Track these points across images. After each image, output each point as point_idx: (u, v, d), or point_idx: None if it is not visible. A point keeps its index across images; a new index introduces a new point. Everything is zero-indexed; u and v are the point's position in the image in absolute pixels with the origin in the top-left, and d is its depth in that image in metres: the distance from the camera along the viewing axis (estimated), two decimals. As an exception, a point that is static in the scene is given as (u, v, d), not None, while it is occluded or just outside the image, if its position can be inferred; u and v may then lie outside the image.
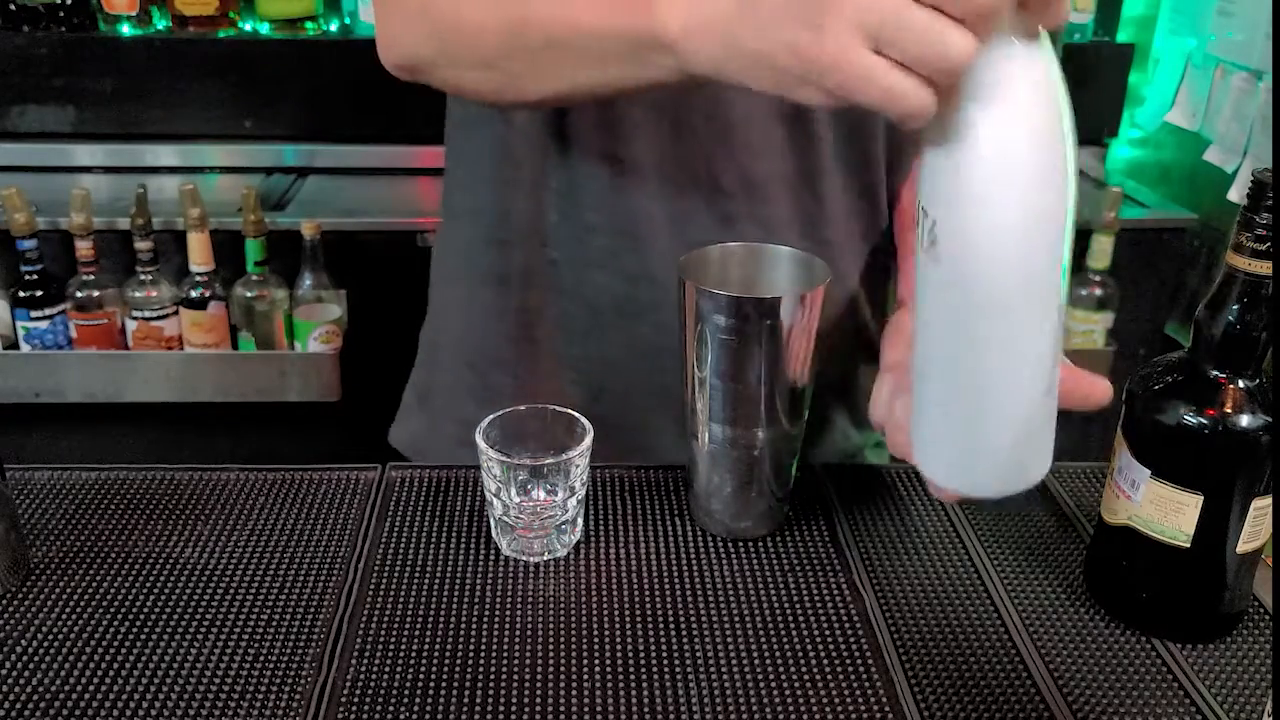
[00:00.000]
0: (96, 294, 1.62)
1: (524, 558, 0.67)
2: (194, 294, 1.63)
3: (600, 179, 0.78)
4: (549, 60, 0.64)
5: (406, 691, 0.57)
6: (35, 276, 1.60)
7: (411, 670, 0.58)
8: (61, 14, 1.82)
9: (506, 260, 0.83)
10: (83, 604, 0.63)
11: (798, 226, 0.80)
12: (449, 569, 0.66)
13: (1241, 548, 0.60)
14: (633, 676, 0.58)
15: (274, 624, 0.61)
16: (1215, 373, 0.58)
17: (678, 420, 0.72)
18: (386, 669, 0.58)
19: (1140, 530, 0.61)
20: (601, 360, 0.83)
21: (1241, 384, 0.58)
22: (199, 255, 1.61)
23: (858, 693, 0.57)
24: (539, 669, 0.58)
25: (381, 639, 0.61)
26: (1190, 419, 0.58)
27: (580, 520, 0.69)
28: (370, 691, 0.57)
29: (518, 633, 0.61)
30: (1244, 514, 0.58)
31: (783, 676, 0.58)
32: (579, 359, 0.84)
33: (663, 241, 0.78)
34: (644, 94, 0.66)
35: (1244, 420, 0.57)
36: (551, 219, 0.81)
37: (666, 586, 0.65)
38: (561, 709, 0.56)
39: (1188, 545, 0.60)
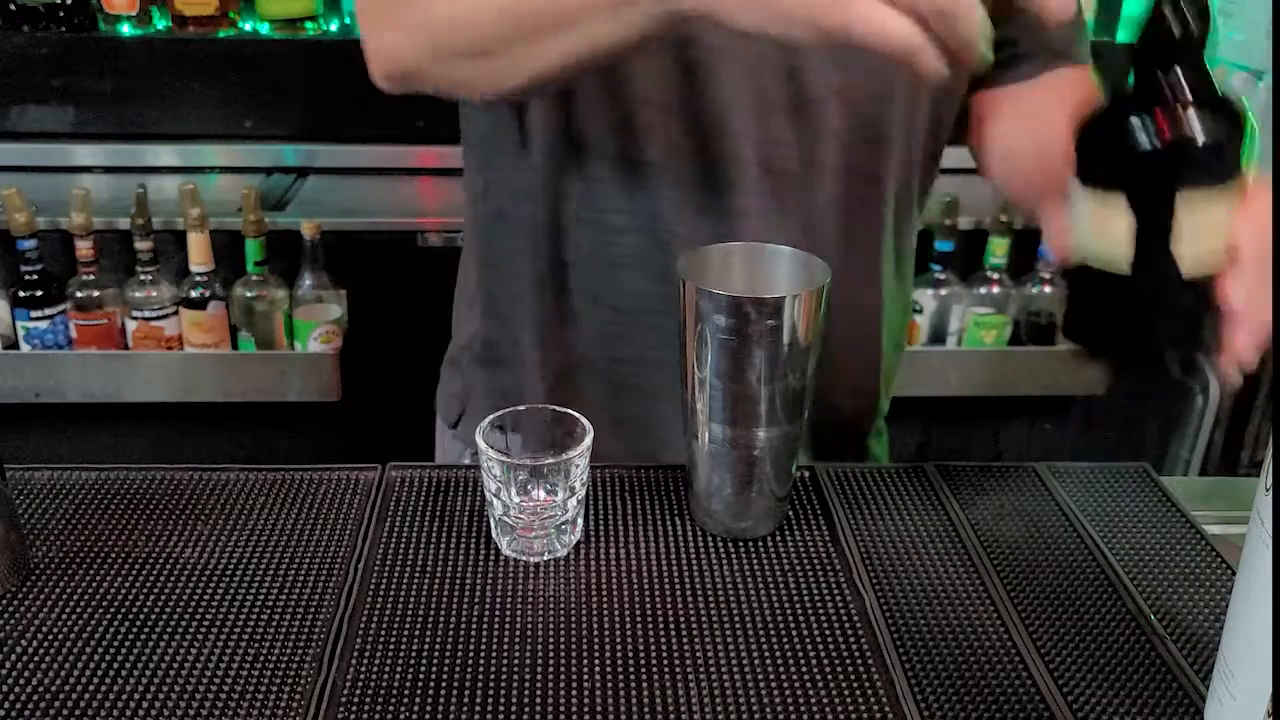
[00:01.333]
0: (96, 294, 1.62)
1: (524, 558, 0.67)
2: (194, 294, 1.63)
3: (618, 182, 0.80)
4: (540, 35, 0.66)
5: (406, 691, 0.57)
6: (35, 276, 1.60)
7: (411, 670, 0.58)
8: (61, 14, 1.82)
9: (536, 264, 0.85)
10: (83, 604, 0.63)
11: (802, 219, 0.81)
12: (449, 569, 0.66)
13: (1188, 269, 0.59)
14: (633, 676, 0.58)
15: (274, 624, 0.61)
16: (1149, 72, 0.58)
17: None
18: (386, 669, 0.58)
19: (1090, 265, 0.62)
20: (628, 360, 0.85)
21: (1171, 77, 0.58)
22: (199, 255, 1.61)
23: (858, 693, 0.57)
24: (539, 669, 0.58)
25: (381, 639, 0.61)
26: (1118, 117, 0.58)
27: (580, 520, 0.69)
28: (370, 691, 0.57)
29: (518, 633, 0.61)
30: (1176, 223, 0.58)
31: (783, 676, 0.58)
32: (608, 360, 0.86)
33: (683, 236, 0.80)
34: (632, 48, 0.67)
35: (1175, 117, 0.57)
36: (572, 225, 0.83)
37: (666, 586, 0.65)
38: (561, 709, 0.56)
39: (1129, 270, 0.60)
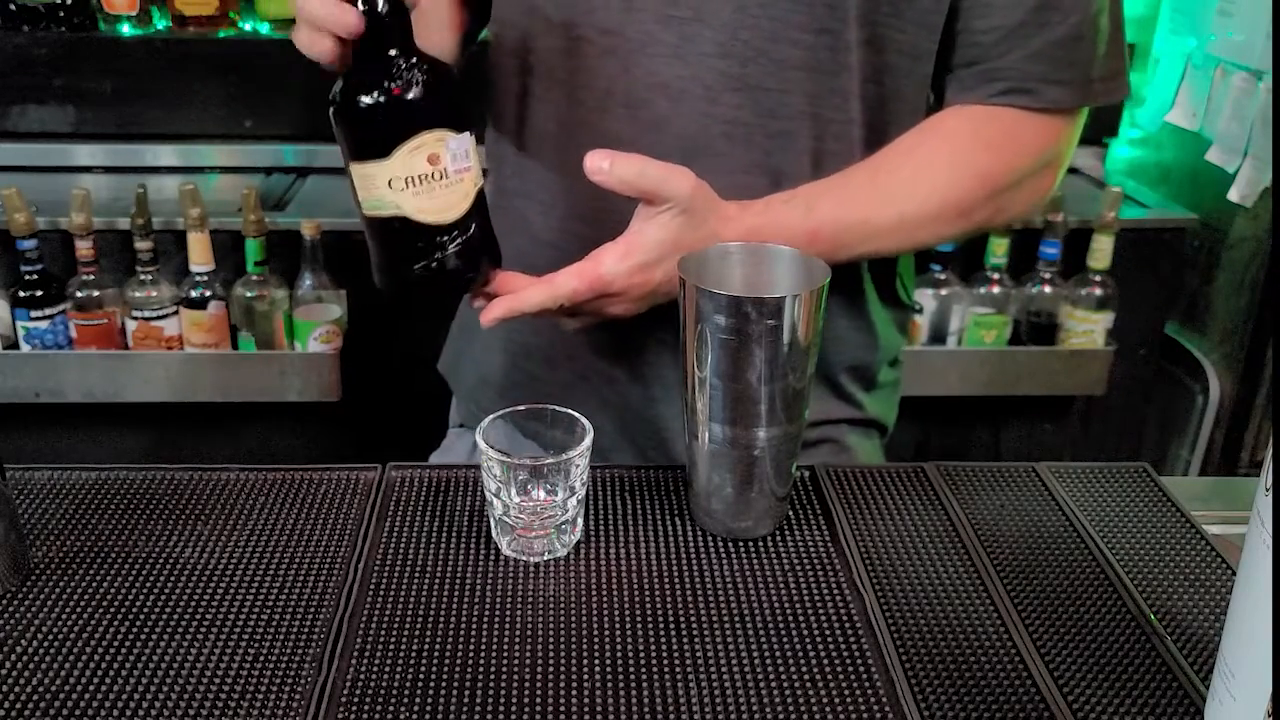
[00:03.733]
0: (96, 294, 1.62)
1: (524, 558, 0.67)
2: (194, 294, 1.63)
3: (512, 147, 0.86)
4: None
5: (406, 691, 0.57)
6: (35, 276, 1.60)
7: (411, 670, 0.58)
8: (61, 14, 1.82)
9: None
10: (83, 604, 0.63)
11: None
12: (449, 569, 0.66)
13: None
14: (633, 676, 0.58)
15: (274, 624, 0.61)
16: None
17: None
18: (386, 669, 0.58)
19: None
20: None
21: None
22: (199, 255, 1.61)
23: (858, 693, 0.57)
24: (539, 669, 0.58)
25: (381, 639, 0.61)
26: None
27: (580, 520, 0.69)
28: (370, 691, 0.57)
29: (518, 633, 0.61)
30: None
31: (783, 676, 0.58)
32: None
33: (561, 206, 0.84)
34: None
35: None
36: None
37: (666, 586, 0.65)
38: (561, 709, 0.56)
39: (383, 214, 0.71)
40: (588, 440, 0.67)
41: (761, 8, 0.77)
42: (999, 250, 1.72)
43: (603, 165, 0.71)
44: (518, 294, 0.75)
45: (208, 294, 1.63)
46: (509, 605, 0.63)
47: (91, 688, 0.56)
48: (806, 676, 0.58)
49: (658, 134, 0.80)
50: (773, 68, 0.78)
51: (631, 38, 0.79)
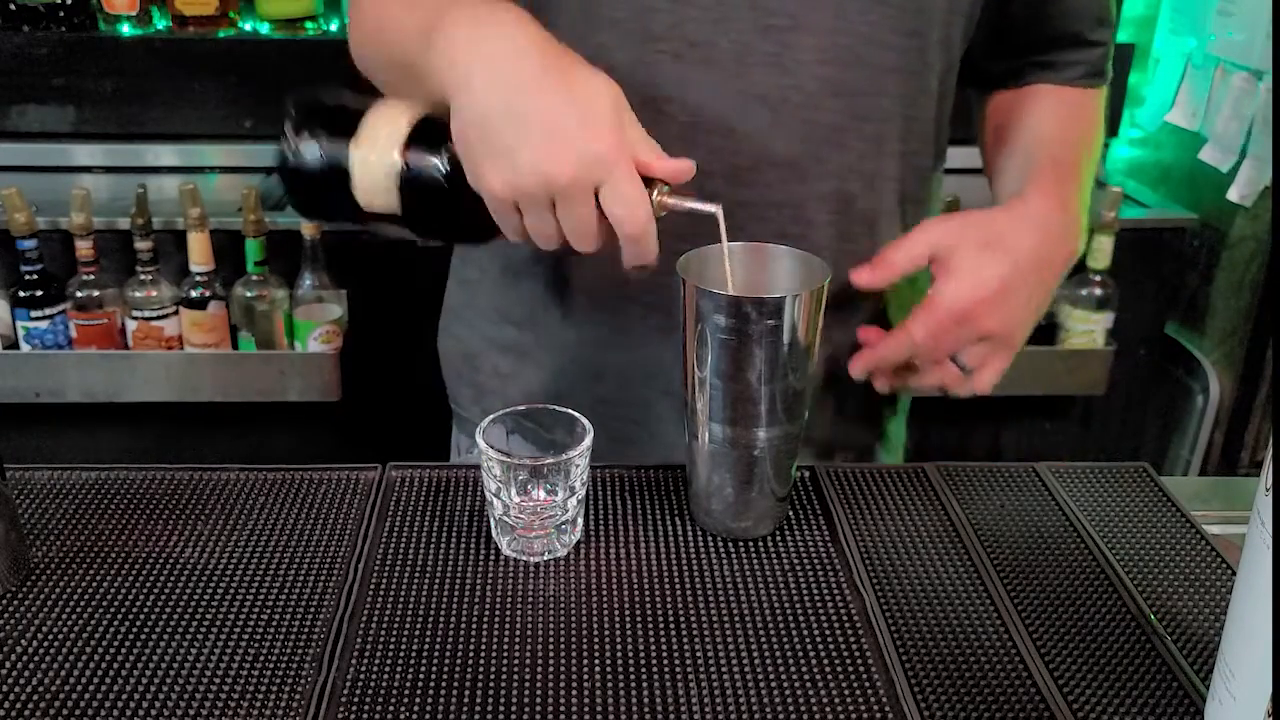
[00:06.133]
0: (96, 294, 1.62)
1: (524, 558, 0.67)
2: (194, 294, 1.63)
3: None
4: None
5: (406, 691, 0.57)
6: (35, 276, 1.60)
7: (411, 670, 0.58)
8: (61, 14, 1.82)
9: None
10: (83, 604, 0.63)
11: (787, 210, 0.81)
12: (449, 569, 0.66)
13: None
14: (633, 676, 0.58)
15: (274, 624, 0.61)
16: None
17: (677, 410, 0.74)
18: (386, 669, 0.58)
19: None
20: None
21: None
22: (199, 255, 1.61)
23: (858, 693, 0.57)
24: (539, 669, 0.59)
25: (381, 639, 0.61)
26: None
27: (580, 520, 0.69)
28: (370, 691, 0.57)
29: (518, 633, 0.61)
30: None
31: (783, 676, 0.58)
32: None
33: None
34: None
35: None
36: None
37: (666, 586, 0.65)
38: (561, 709, 0.56)
39: None
40: (588, 440, 0.67)
41: (860, 13, 0.77)
42: (999, 250, 1.72)
43: (862, 280, 0.79)
44: (875, 349, 0.81)
45: (208, 294, 1.63)
46: (509, 605, 0.63)
47: (91, 688, 0.56)
48: (806, 676, 0.58)
49: (758, 144, 0.78)
50: (870, 71, 0.79)
51: (726, 49, 0.77)
